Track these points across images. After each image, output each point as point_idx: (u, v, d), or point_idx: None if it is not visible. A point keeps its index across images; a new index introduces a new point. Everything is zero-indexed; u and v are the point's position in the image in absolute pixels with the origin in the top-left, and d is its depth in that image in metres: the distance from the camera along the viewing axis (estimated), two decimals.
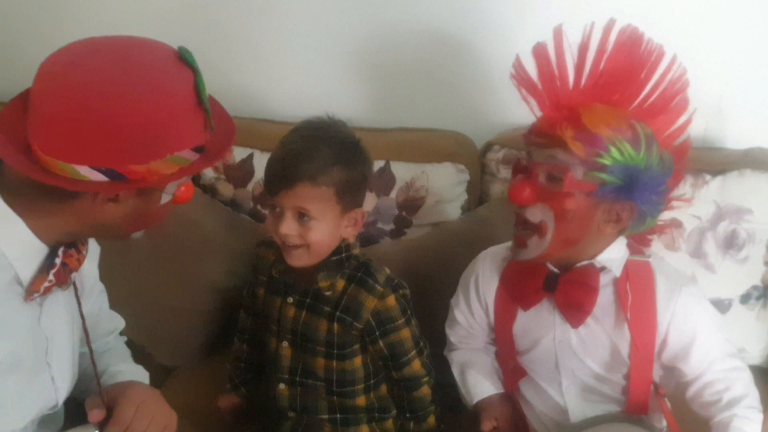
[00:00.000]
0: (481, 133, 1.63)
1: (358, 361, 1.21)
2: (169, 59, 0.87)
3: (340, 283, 1.17)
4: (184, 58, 0.87)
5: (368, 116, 1.67)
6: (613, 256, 1.12)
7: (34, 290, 0.91)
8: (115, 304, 1.24)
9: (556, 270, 1.13)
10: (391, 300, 1.17)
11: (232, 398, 1.34)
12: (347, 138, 1.15)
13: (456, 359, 1.30)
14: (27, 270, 0.90)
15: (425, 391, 1.22)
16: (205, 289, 1.50)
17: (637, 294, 1.11)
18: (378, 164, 1.53)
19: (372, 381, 1.24)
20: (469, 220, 1.54)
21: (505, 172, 1.55)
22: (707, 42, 1.52)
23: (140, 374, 1.14)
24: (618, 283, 1.12)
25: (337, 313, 1.17)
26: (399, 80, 1.67)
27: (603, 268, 1.11)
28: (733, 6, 1.51)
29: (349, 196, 1.13)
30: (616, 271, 1.12)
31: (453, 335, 1.31)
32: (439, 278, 1.44)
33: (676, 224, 1.43)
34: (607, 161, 1.02)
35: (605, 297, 1.11)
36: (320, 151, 1.10)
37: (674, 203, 1.21)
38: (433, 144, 1.58)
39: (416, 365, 1.21)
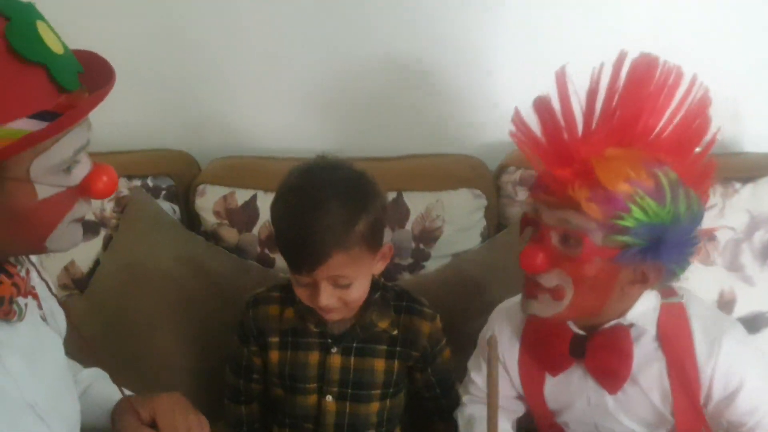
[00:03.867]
0: (492, 155, 1.57)
1: (402, 395, 1.18)
2: None
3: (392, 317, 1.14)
4: None
5: (371, 145, 1.61)
6: (645, 309, 1.02)
7: None
8: (119, 368, 1.12)
9: (581, 332, 1.03)
10: (438, 321, 1.15)
11: None
12: (353, 178, 1.05)
13: (466, 412, 1.18)
14: None
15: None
16: (213, 345, 1.41)
17: (673, 348, 1.00)
18: (390, 196, 1.46)
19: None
20: (490, 247, 1.47)
21: (522, 194, 1.49)
22: (720, 44, 1.48)
23: (102, 375, 1.09)
24: (652, 339, 1.02)
25: (397, 349, 1.13)
26: (401, 107, 1.61)
27: (633, 325, 1.02)
28: (744, 6, 1.47)
29: (377, 239, 1.06)
30: (649, 326, 1.02)
31: (468, 398, 1.19)
32: (464, 311, 1.38)
33: (710, 237, 1.37)
34: (628, 223, 0.89)
35: (639, 355, 1.01)
36: (338, 214, 1.00)
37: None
38: (445, 170, 1.51)
39: (456, 387, 1.20)
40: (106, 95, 0.76)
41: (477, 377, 1.16)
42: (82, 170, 0.80)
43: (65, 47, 0.77)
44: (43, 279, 0.94)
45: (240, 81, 1.62)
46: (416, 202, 1.46)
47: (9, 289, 0.82)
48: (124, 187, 1.55)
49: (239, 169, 1.55)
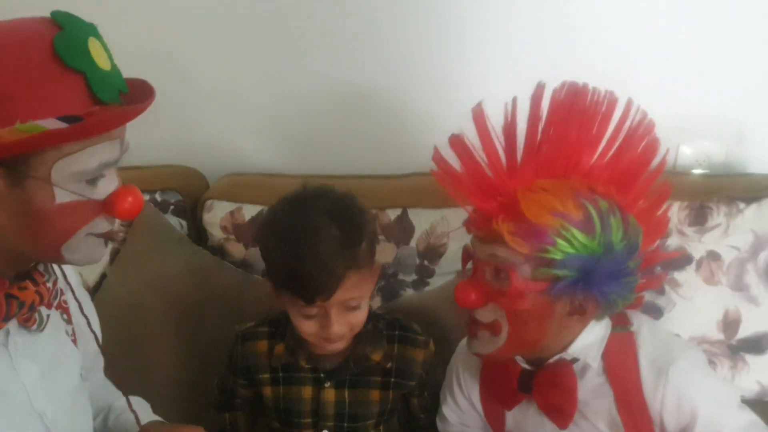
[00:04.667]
0: None
1: (395, 419, 1.17)
2: (31, 21, 0.75)
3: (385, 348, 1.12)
4: (52, 19, 0.75)
5: (378, 163, 1.63)
6: (589, 341, 0.99)
7: None
8: (124, 381, 1.13)
9: (528, 367, 1.01)
10: (432, 345, 1.14)
11: None
12: (343, 199, 1.04)
13: None
14: None
15: None
16: (216, 360, 1.39)
17: (620, 381, 0.98)
18: (395, 212, 1.47)
19: None
20: None
21: None
22: (725, 67, 1.49)
23: (142, 404, 1.08)
24: (598, 373, 0.99)
25: (392, 380, 1.11)
26: (406, 126, 1.63)
27: (576, 360, 0.99)
28: (748, 29, 1.48)
29: (374, 254, 1.06)
30: (593, 360, 0.99)
31: None
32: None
33: (714, 257, 1.37)
34: (556, 255, 0.88)
35: (585, 389, 0.98)
36: (341, 236, 0.98)
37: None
38: None
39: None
40: (135, 116, 0.78)
41: (449, 412, 1.15)
42: (107, 186, 0.81)
43: (114, 67, 0.79)
44: (76, 299, 0.94)
45: (246, 101, 1.64)
46: (421, 219, 1.46)
47: (32, 295, 0.82)
48: None
49: (247, 185, 1.56)
